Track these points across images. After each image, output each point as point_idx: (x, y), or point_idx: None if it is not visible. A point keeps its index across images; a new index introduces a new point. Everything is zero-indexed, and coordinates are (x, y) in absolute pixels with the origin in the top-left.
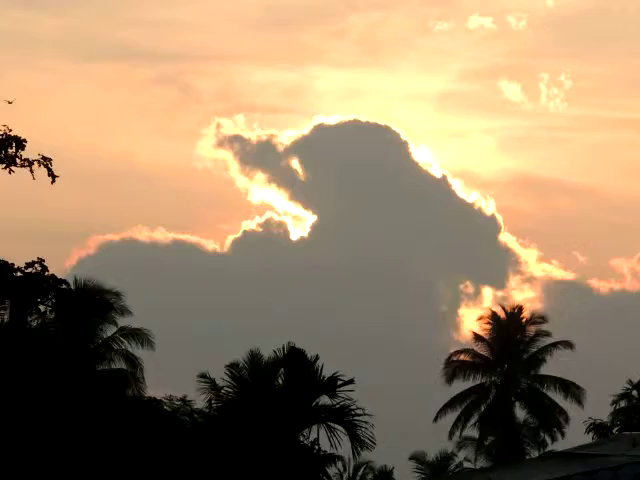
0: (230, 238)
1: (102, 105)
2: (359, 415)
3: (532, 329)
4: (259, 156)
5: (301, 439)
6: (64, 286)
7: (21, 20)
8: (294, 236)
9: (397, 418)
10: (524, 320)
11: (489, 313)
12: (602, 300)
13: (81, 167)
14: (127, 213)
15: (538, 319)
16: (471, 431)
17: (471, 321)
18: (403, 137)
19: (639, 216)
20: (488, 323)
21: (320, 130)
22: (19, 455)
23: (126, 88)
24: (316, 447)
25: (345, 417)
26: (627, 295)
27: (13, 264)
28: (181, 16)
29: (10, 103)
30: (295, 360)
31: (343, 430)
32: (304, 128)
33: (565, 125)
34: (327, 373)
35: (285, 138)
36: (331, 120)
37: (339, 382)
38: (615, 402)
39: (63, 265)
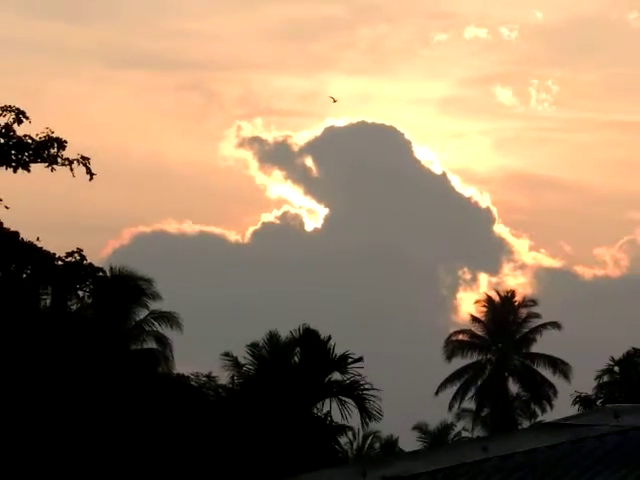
0: (251, 229)
1: (134, 109)
2: (367, 389)
3: (524, 311)
4: (276, 155)
5: (315, 411)
6: (101, 274)
7: (59, 31)
8: (308, 227)
9: (402, 392)
10: (516, 303)
11: (485, 297)
12: (586, 285)
13: (115, 166)
14: (157, 207)
15: (529, 302)
16: (469, 404)
17: (468, 304)
18: (407, 137)
19: (620, 208)
20: (484, 306)
21: (331, 131)
22: (59, 424)
23: (156, 94)
24: (328, 419)
25: (355, 391)
26: (609, 281)
27: (55, 254)
28: (205, 28)
29: (335, 101)
30: (309, 340)
31: (353, 403)
32: (316, 129)
33: (553, 126)
34: (339, 351)
35: (299, 139)
36: (341, 122)
37: (349, 360)
38: (599, 377)
39: (99, 255)
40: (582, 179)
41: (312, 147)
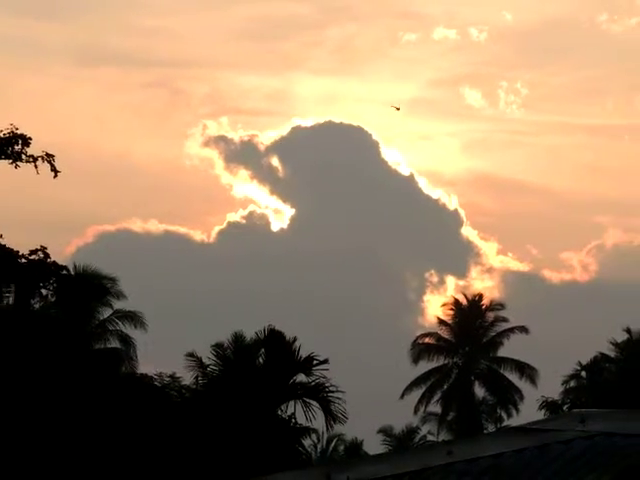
0: (216, 229)
1: (100, 107)
2: (332, 392)
3: (491, 315)
4: (242, 155)
5: (279, 413)
6: (64, 272)
7: (28, 27)
8: (275, 227)
9: (367, 395)
10: (484, 307)
11: (452, 300)
12: (554, 289)
13: (80, 163)
14: (122, 206)
15: (496, 306)
16: (434, 407)
17: (435, 307)
18: (374, 138)
19: (587, 212)
20: (451, 309)
21: (298, 131)
22: (20, 425)
23: (122, 91)
24: (293, 421)
25: (320, 393)
26: (577, 285)
27: (18, 251)
28: (173, 26)
29: (398, 110)
30: (275, 341)
31: (318, 405)
32: (283, 129)
33: (522, 129)
34: (304, 353)
35: (266, 138)
36: (308, 122)
37: (315, 362)
38: (565, 382)
39: (64, 253)
40: (550, 183)
41: (278, 147)
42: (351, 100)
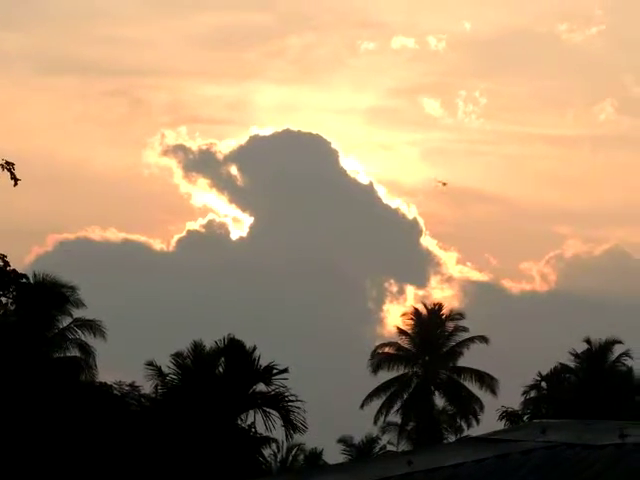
0: (176, 237)
1: (59, 115)
2: (292, 401)
3: (451, 325)
4: (201, 164)
5: (239, 423)
6: (24, 280)
7: None
8: (234, 236)
9: (327, 404)
10: (443, 316)
11: (412, 310)
12: (513, 299)
13: (39, 172)
14: (82, 214)
15: (456, 316)
16: (394, 417)
17: (395, 317)
18: (333, 146)
19: (547, 223)
20: (411, 319)
21: (256, 140)
22: None
23: (81, 100)
24: (252, 430)
25: (279, 403)
26: (536, 295)
27: None
28: (133, 34)
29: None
30: (234, 350)
31: (277, 415)
32: (241, 138)
33: (481, 138)
34: (264, 362)
35: (224, 147)
36: (266, 131)
37: (274, 371)
38: (526, 392)
39: (23, 261)
40: (510, 192)
41: (237, 156)
42: (310, 109)
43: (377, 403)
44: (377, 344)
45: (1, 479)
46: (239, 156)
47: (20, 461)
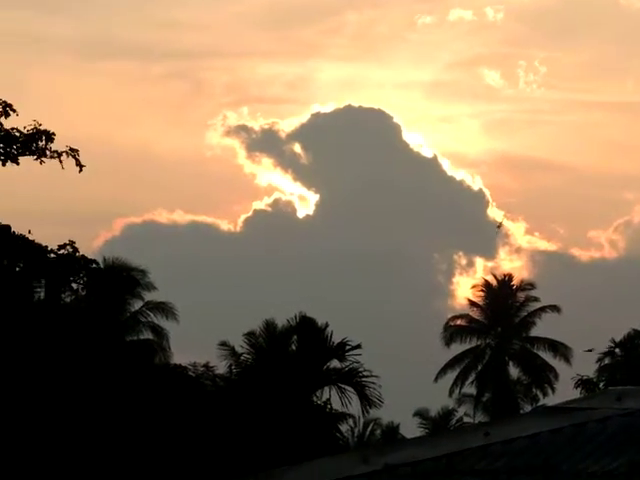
0: (242, 217)
1: (121, 99)
2: (367, 376)
3: (522, 295)
4: (264, 143)
5: (314, 400)
6: (94, 265)
7: (45, 22)
8: (300, 214)
9: (402, 379)
10: (514, 287)
11: (482, 281)
12: (584, 268)
13: (102, 157)
14: (147, 198)
15: (527, 286)
16: (469, 389)
17: (465, 289)
18: (395, 121)
19: (613, 190)
20: (481, 291)
21: (318, 117)
22: (56, 418)
23: (142, 83)
24: (328, 407)
25: (354, 379)
26: (606, 263)
27: (47, 247)
28: (191, 16)
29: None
30: (306, 328)
31: (352, 390)
32: (303, 116)
33: (542, 108)
34: (336, 339)
35: (286, 126)
36: (328, 108)
37: (347, 347)
38: (600, 360)
39: (91, 247)
40: (574, 160)
41: (299, 134)
42: (371, 85)
43: (451, 376)
44: (449, 317)
45: (83, 462)
46: (302, 134)
47: (101, 446)
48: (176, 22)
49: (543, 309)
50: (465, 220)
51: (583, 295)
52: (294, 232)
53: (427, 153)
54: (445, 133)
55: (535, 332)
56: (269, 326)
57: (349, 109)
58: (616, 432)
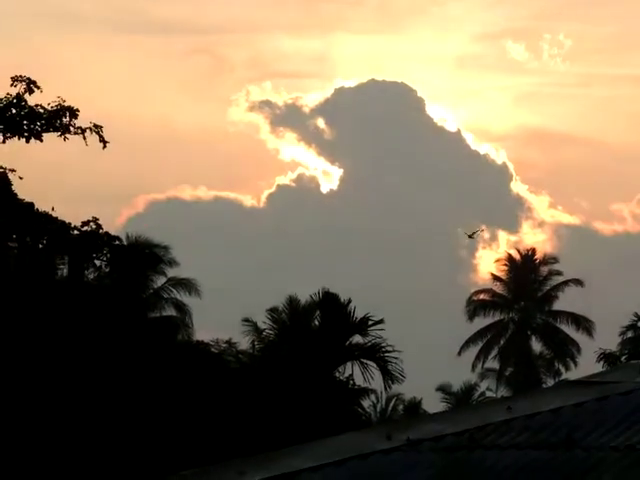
0: (266, 193)
1: (142, 76)
2: (389, 352)
3: (545, 269)
4: (287, 118)
5: (337, 375)
6: (117, 242)
7: (66, 0)
8: (324, 189)
9: (424, 353)
10: (537, 261)
11: (505, 255)
12: (607, 241)
13: (125, 133)
14: (170, 174)
15: (550, 260)
16: (492, 363)
17: (488, 263)
18: (419, 94)
19: (635, 163)
20: (505, 265)
21: (341, 92)
22: (80, 394)
23: (164, 59)
24: (351, 382)
25: (376, 354)
26: (629, 236)
27: (70, 223)
28: None
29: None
30: (329, 303)
31: (375, 366)
32: (327, 91)
33: (569, 82)
34: (359, 315)
35: (310, 100)
36: (351, 83)
37: (370, 322)
38: (623, 333)
39: (115, 223)
40: (597, 134)
41: (323, 108)
42: (394, 58)
43: (474, 350)
44: (472, 291)
45: (109, 440)
46: (325, 109)
47: (126, 422)
48: None
49: (566, 283)
50: (489, 194)
51: (606, 269)
52: (318, 207)
53: (451, 127)
54: (469, 107)
55: (558, 306)
56: (292, 302)
57: (372, 83)
58: (639, 405)
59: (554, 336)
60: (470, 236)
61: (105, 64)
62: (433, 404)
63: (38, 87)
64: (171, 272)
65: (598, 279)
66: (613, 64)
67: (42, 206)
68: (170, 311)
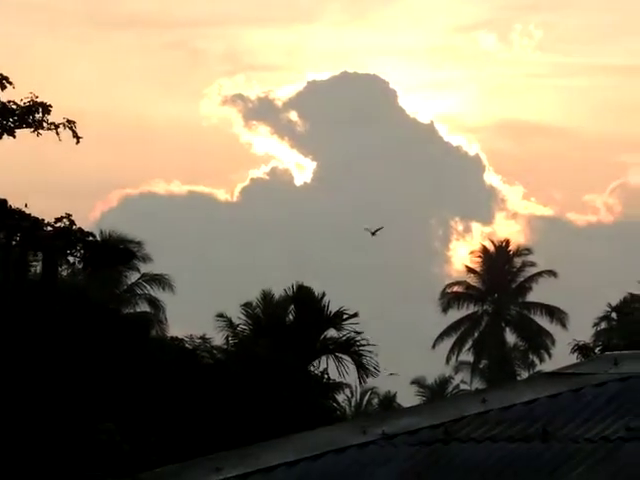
0: (239, 187)
1: (116, 70)
2: (363, 345)
3: (518, 260)
4: (260, 111)
5: (311, 369)
6: (91, 238)
7: None
8: (298, 182)
9: (398, 347)
10: (511, 252)
11: (479, 247)
12: (580, 232)
13: (99, 128)
14: (144, 169)
15: (524, 251)
16: (466, 356)
17: (462, 255)
18: (391, 86)
19: (608, 153)
20: (479, 257)
21: (313, 85)
22: (54, 391)
23: (138, 54)
24: (325, 376)
25: (351, 348)
26: (602, 226)
27: (44, 220)
28: None
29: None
30: (303, 297)
31: (349, 360)
32: (299, 84)
33: (539, 72)
34: (333, 308)
35: (282, 94)
36: (323, 75)
37: (344, 316)
38: (596, 324)
39: (88, 219)
40: (569, 124)
41: (296, 101)
42: (365, 51)
43: (448, 343)
44: (446, 283)
45: (75, 435)
46: (298, 102)
47: (98, 418)
48: None
49: (540, 274)
50: (462, 185)
51: (579, 260)
52: (292, 200)
53: (423, 118)
54: (441, 98)
55: (532, 297)
56: (266, 296)
57: (345, 75)
58: (613, 397)
59: (528, 328)
60: (373, 233)
61: (77, 59)
62: (408, 398)
63: (10, 83)
64: (145, 268)
65: (572, 270)
66: (585, 54)
67: (15, 202)
68: (144, 307)
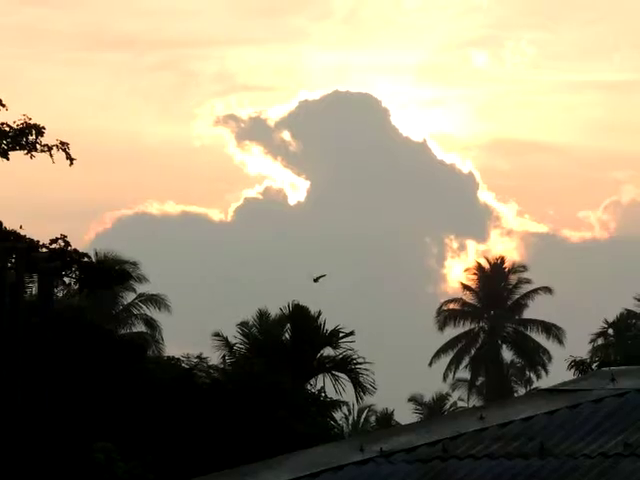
0: (233, 206)
1: (109, 91)
2: (360, 363)
3: (514, 277)
4: (253, 131)
5: (308, 388)
6: (86, 259)
7: (32, 14)
8: (292, 201)
9: (395, 364)
10: (506, 270)
11: (475, 265)
12: (575, 249)
13: (93, 149)
14: (138, 189)
15: (519, 268)
16: (463, 373)
17: (458, 273)
18: (384, 105)
19: (602, 169)
20: (474, 274)
21: (306, 104)
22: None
23: (130, 75)
24: (322, 394)
25: (347, 366)
26: (597, 243)
27: (39, 241)
28: (178, 5)
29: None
30: (300, 316)
31: (346, 378)
32: (291, 103)
33: (532, 89)
34: (329, 327)
35: (275, 113)
36: (315, 95)
37: (340, 334)
38: (593, 340)
39: (83, 240)
40: (562, 141)
41: (288, 121)
42: (358, 70)
43: (445, 360)
44: (442, 301)
45: (74, 456)
46: (290, 121)
47: (94, 437)
48: (161, 11)
49: (535, 291)
50: (456, 203)
51: (575, 276)
52: (286, 219)
53: (416, 137)
54: (434, 117)
55: (528, 314)
56: (262, 315)
57: (337, 94)
58: (611, 412)
59: (525, 344)
60: (315, 280)
61: (71, 80)
62: (405, 415)
63: (3, 105)
64: (140, 288)
65: (567, 287)
66: (577, 71)
67: (10, 224)
68: (140, 327)
